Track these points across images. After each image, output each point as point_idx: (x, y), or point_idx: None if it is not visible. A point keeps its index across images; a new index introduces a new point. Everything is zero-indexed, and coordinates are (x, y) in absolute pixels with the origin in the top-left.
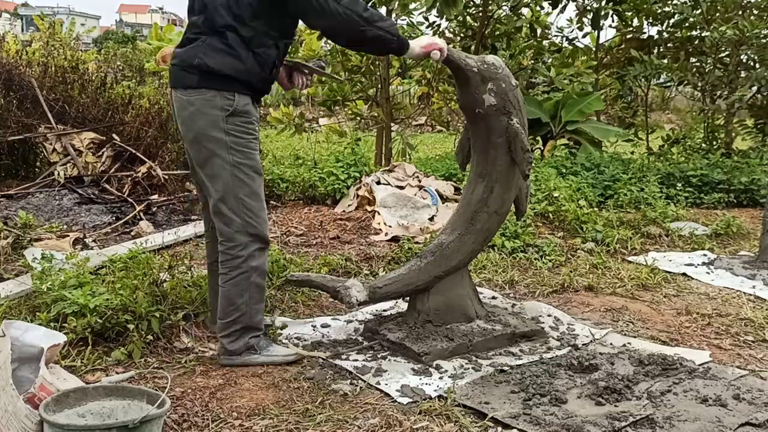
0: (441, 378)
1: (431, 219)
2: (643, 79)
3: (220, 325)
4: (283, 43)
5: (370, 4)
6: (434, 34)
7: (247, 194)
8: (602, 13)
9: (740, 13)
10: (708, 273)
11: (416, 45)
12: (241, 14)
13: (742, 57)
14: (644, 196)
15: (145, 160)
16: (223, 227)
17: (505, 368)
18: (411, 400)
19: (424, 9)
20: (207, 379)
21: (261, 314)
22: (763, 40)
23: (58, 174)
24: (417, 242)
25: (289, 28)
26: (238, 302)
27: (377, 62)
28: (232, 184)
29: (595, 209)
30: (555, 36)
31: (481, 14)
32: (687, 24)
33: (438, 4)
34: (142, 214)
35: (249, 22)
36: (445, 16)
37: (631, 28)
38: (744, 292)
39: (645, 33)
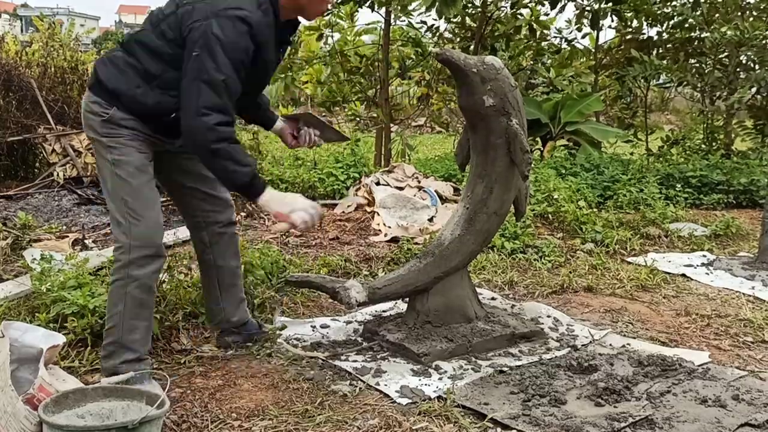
0: (440, 379)
1: (430, 220)
2: (642, 80)
3: (103, 335)
4: (171, 94)
5: (369, 3)
6: (433, 36)
7: (129, 193)
8: (601, 13)
9: (740, 14)
10: (707, 274)
11: (274, 200)
12: (162, 54)
13: (741, 58)
14: (644, 197)
15: None
16: (113, 230)
17: (505, 369)
18: (410, 400)
19: (423, 9)
20: (206, 380)
21: (139, 335)
22: (763, 42)
23: (58, 175)
24: (416, 243)
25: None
26: (113, 311)
27: (376, 63)
28: (113, 184)
29: (595, 210)
30: (554, 37)
31: (480, 15)
32: (687, 25)
33: (437, 4)
34: None
35: (165, 59)
36: (444, 17)
37: (630, 29)
38: (743, 293)
39: (644, 34)
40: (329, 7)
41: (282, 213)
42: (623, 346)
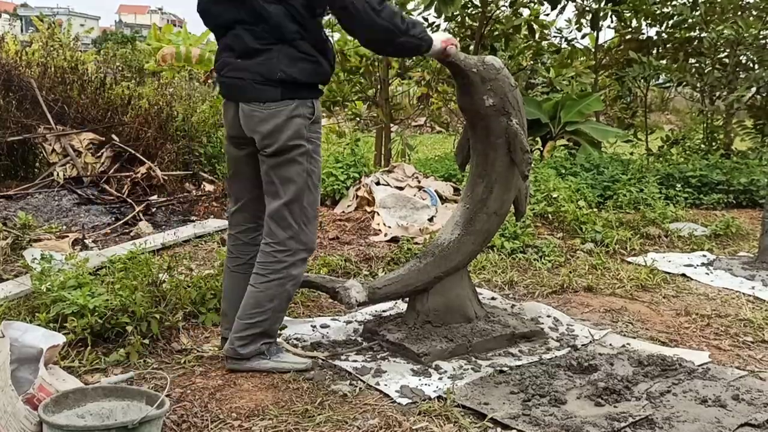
0: (440, 379)
1: (430, 219)
2: (642, 80)
3: (238, 325)
4: (331, 43)
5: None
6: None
7: (310, 203)
8: (601, 13)
9: (739, 13)
10: (707, 274)
11: (437, 41)
12: (303, 22)
13: (741, 58)
14: (643, 196)
15: (145, 160)
16: (278, 231)
17: (505, 369)
18: (410, 400)
19: (422, 8)
20: (206, 380)
21: (280, 323)
22: (762, 41)
23: (58, 174)
24: (416, 243)
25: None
26: (266, 306)
27: (376, 63)
28: (302, 191)
29: (595, 210)
30: (554, 37)
31: (480, 14)
32: (686, 25)
33: (435, 2)
34: (141, 214)
35: (309, 28)
36: (443, 16)
37: (630, 29)
38: (743, 293)
39: (644, 34)
40: None
41: (447, 41)
42: (623, 346)
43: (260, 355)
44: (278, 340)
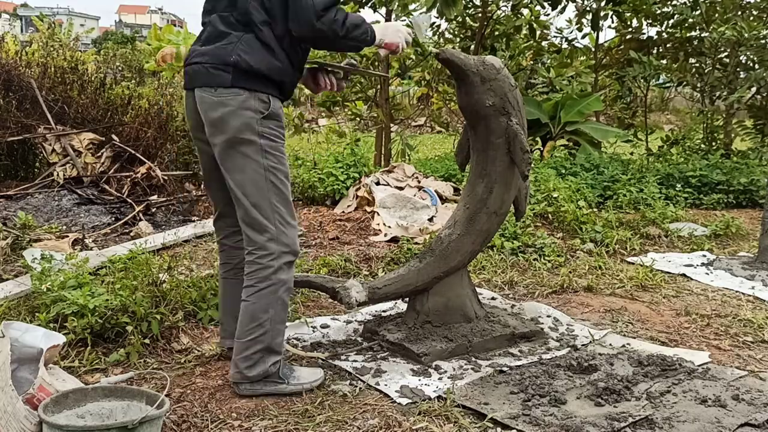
0: (440, 379)
1: (430, 220)
2: (642, 80)
3: (238, 346)
4: (303, 46)
5: (370, 3)
6: (434, 35)
7: (279, 201)
8: (601, 13)
9: (739, 13)
10: (707, 274)
11: (381, 36)
12: (273, 11)
13: (741, 58)
14: (643, 196)
15: (145, 160)
16: (255, 235)
17: (505, 369)
18: (410, 400)
19: (424, 9)
20: (206, 380)
21: (282, 336)
22: (762, 41)
23: (58, 175)
24: (416, 243)
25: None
26: (262, 318)
27: (377, 63)
28: (266, 190)
29: (595, 210)
30: (554, 37)
31: (480, 15)
32: (686, 25)
33: (438, 4)
34: (141, 214)
35: (280, 19)
36: (444, 17)
37: (630, 29)
38: (743, 293)
39: (644, 34)
40: None
41: (392, 41)
42: (623, 346)
43: (273, 377)
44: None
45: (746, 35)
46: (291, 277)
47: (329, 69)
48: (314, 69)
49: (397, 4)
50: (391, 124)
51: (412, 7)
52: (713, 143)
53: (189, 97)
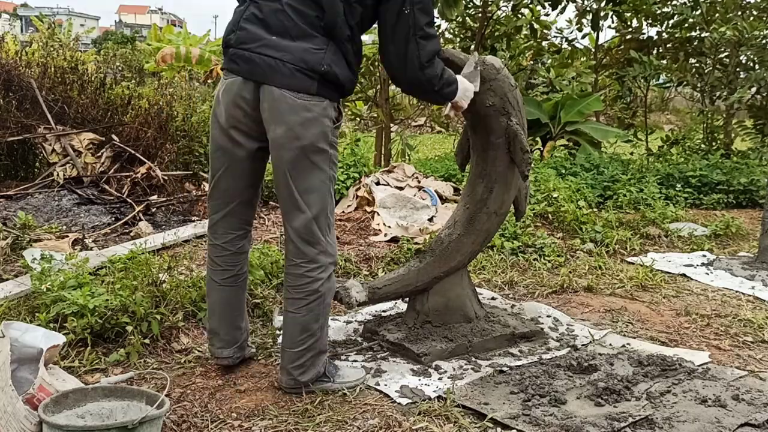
0: (440, 379)
1: (430, 220)
2: (642, 80)
3: (290, 356)
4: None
5: None
6: None
7: (332, 212)
8: (602, 14)
9: (740, 13)
10: (707, 274)
11: (459, 96)
12: (354, 27)
13: (741, 58)
14: (643, 196)
15: (145, 160)
16: (307, 249)
17: (505, 369)
18: (410, 400)
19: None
20: (206, 380)
21: (327, 335)
22: (763, 41)
23: (58, 174)
24: (416, 243)
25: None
26: (314, 328)
27: (377, 63)
28: (327, 201)
29: (595, 210)
30: (554, 37)
31: (480, 15)
32: (686, 25)
33: (439, 5)
34: (141, 214)
35: (356, 36)
36: (451, 16)
37: (630, 29)
38: (743, 293)
39: (644, 34)
40: None
41: (462, 104)
42: (623, 346)
43: (323, 377)
44: None
45: (746, 35)
46: (335, 281)
47: None
48: None
49: None
50: (391, 124)
51: None
52: (713, 143)
53: (246, 89)
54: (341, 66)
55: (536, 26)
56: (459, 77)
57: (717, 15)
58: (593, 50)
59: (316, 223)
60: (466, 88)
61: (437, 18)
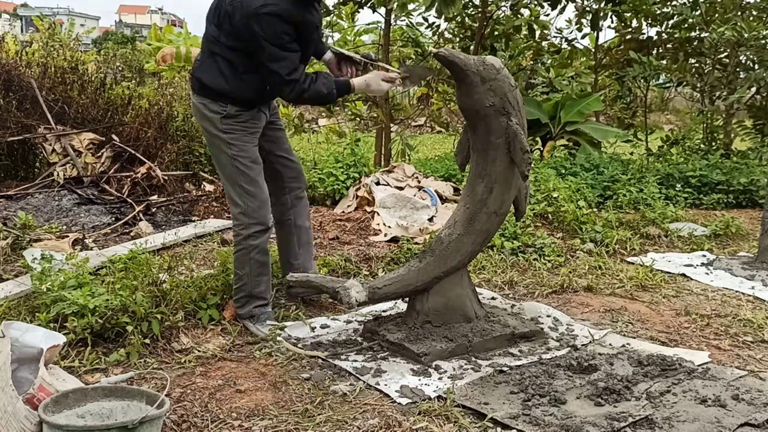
0: (440, 378)
1: (430, 220)
2: (642, 80)
3: (233, 292)
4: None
5: (369, 3)
6: (434, 35)
7: (247, 182)
8: (601, 14)
9: (739, 14)
10: (707, 274)
11: (364, 85)
12: (229, 44)
13: (741, 58)
14: (643, 196)
15: (145, 160)
16: (232, 208)
17: (505, 369)
18: (410, 400)
19: (423, 9)
20: (206, 380)
21: (264, 286)
22: (762, 41)
23: (58, 174)
24: (416, 243)
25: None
26: (240, 273)
27: (377, 64)
28: (234, 174)
29: (594, 210)
30: (554, 37)
31: (480, 15)
32: (686, 25)
33: (437, 3)
34: (141, 214)
35: (236, 50)
36: (443, 16)
37: (630, 29)
38: (743, 293)
39: (644, 34)
40: None
41: (375, 93)
42: (623, 345)
43: (251, 318)
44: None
45: (746, 35)
46: (263, 242)
47: (350, 58)
48: (338, 56)
49: (396, 4)
50: (391, 124)
51: (411, 6)
52: (713, 143)
53: None
54: (209, 75)
55: (535, 26)
56: (361, 81)
57: (717, 15)
58: (593, 50)
59: (230, 190)
60: (377, 82)
61: (435, 17)
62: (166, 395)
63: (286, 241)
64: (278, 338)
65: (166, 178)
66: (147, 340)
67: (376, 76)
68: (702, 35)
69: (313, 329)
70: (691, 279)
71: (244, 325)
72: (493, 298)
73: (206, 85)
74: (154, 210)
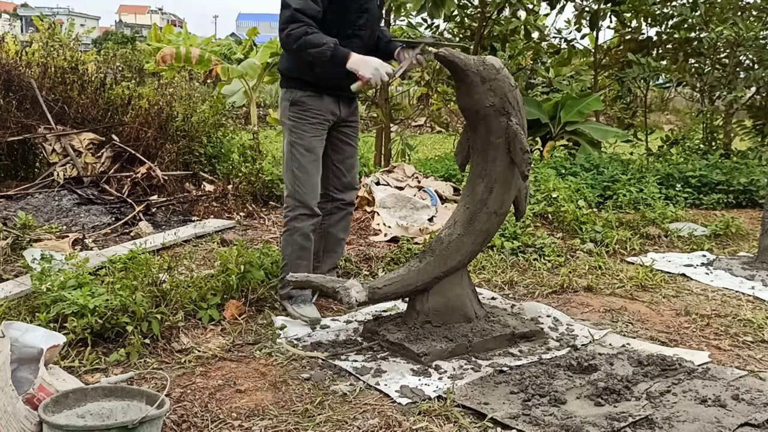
0: (440, 378)
1: (430, 220)
2: (641, 81)
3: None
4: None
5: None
6: (434, 35)
7: (298, 167)
8: (600, 14)
9: (738, 14)
10: (707, 274)
11: (353, 66)
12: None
13: (740, 58)
14: (643, 196)
15: (145, 160)
16: (284, 192)
17: (505, 369)
18: (410, 400)
19: (415, 13)
20: (206, 380)
21: (303, 269)
22: (761, 41)
23: (58, 175)
24: (416, 243)
25: (326, 27)
26: (285, 252)
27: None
28: (289, 159)
29: (594, 210)
30: (553, 38)
31: (479, 15)
32: (686, 25)
33: (428, 6)
34: (141, 214)
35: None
36: (443, 16)
37: (629, 29)
38: (743, 293)
39: (644, 34)
40: None
41: (363, 75)
42: (623, 345)
43: (289, 299)
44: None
45: (745, 35)
46: (305, 226)
47: (412, 45)
48: (406, 47)
49: (392, 5)
50: (391, 124)
51: (409, 6)
52: (713, 143)
53: None
54: (281, 61)
55: (530, 29)
56: (360, 57)
57: (716, 16)
58: (592, 51)
59: (284, 173)
60: (372, 64)
61: (428, 19)
62: (166, 395)
63: (315, 243)
64: (278, 339)
65: (166, 178)
66: (147, 340)
67: (374, 61)
68: (701, 35)
69: (313, 329)
70: (691, 279)
71: (282, 305)
72: (493, 298)
73: (281, 73)
74: (154, 210)
